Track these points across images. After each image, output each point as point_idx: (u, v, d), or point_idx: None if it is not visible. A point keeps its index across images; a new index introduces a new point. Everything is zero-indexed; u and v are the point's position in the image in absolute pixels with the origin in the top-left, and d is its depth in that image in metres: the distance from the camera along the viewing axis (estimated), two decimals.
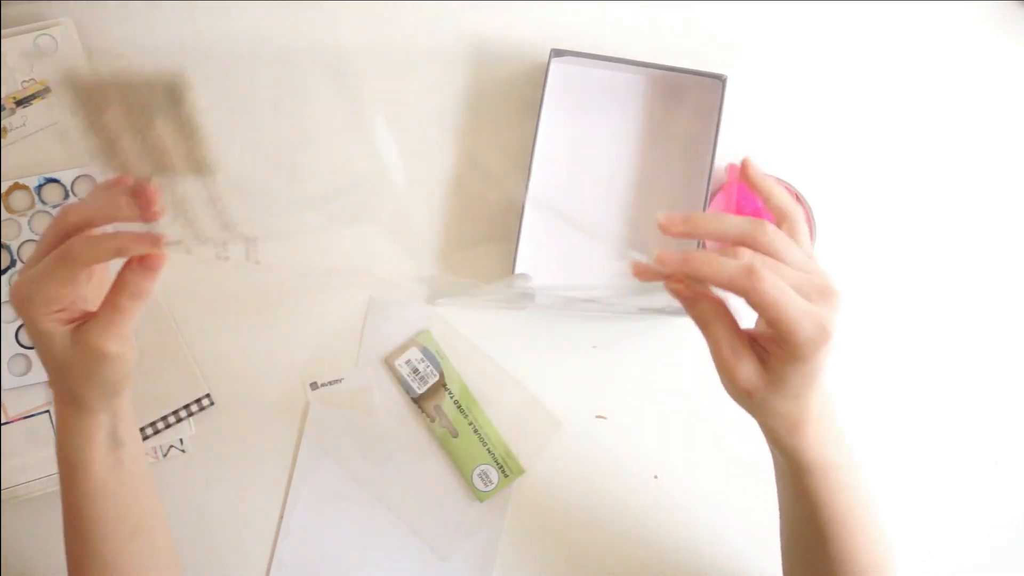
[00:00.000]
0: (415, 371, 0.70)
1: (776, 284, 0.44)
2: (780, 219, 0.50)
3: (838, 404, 0.51)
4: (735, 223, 0.46)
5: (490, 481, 0.69)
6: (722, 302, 0.48)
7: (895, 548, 0.54)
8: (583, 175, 0.70)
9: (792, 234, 0.49)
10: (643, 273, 0.47)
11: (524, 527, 0.69)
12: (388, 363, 0.70)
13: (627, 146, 0.70)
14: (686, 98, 0.70)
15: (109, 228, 0.48)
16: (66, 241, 0.46)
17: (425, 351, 0.70)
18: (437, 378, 0.70)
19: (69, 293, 0.47)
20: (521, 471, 0.69)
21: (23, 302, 0.47)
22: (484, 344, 0.70)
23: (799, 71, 0.70)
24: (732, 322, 0.47)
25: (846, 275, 0.69)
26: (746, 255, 0.45)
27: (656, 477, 0.69)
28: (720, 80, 0.67)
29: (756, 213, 0.66)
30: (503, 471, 0.69)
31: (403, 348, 0.70)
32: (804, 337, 0.44)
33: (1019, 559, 0.68)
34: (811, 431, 0.49)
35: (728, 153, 0.69)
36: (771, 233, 0.46)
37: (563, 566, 0.68)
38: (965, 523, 0.68)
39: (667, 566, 0.68)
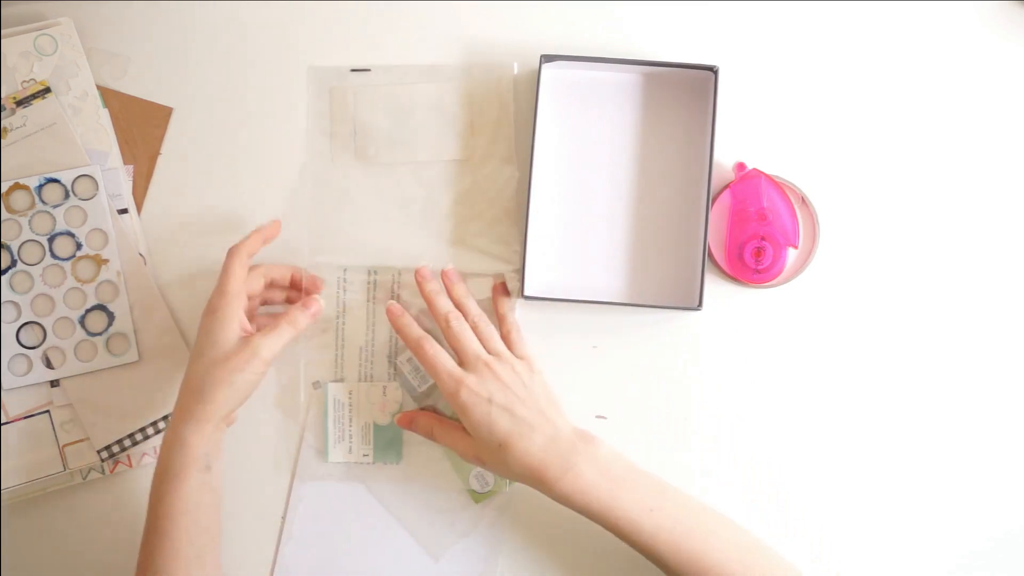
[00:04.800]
0: (416, 369, 0.69)
1: (432, 353, 0.63)
2: (464, 310, 0.66)
3: (612, 454, 0.61)
4: (443, 305, 0.66)
5: (487, 482, 0.69)
6: (433, 412, 0.68)
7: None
8: (583, 177, 0.69)
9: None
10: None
11: (525, 527, 0.69)
12: (390, 360, 0.70)
13: (625, 145, 0.69)
14: (680, 94, 0.69)
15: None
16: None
17: None
18: None
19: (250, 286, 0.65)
20: None
21: (219, 294, 0.63)
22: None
23: (799, 72, 0.70)
24: (443, 421, 0.66)
25: (847, 273, 0.69)
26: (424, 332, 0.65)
27: None
28: (712, 72, 0.67)
29: (760, 212, 0.66)
30: None
31: (405, 346, 0.70)
32: (442, 384, 0.62)
33: (1018, 559, 0.68)
34: (571, 479, 0.60)
35: (732, 150, 0.68)
36: (469, 318, 0.66)
37: (564, 567, 0.68)
38: (964, 523, 0.68)
39: None
